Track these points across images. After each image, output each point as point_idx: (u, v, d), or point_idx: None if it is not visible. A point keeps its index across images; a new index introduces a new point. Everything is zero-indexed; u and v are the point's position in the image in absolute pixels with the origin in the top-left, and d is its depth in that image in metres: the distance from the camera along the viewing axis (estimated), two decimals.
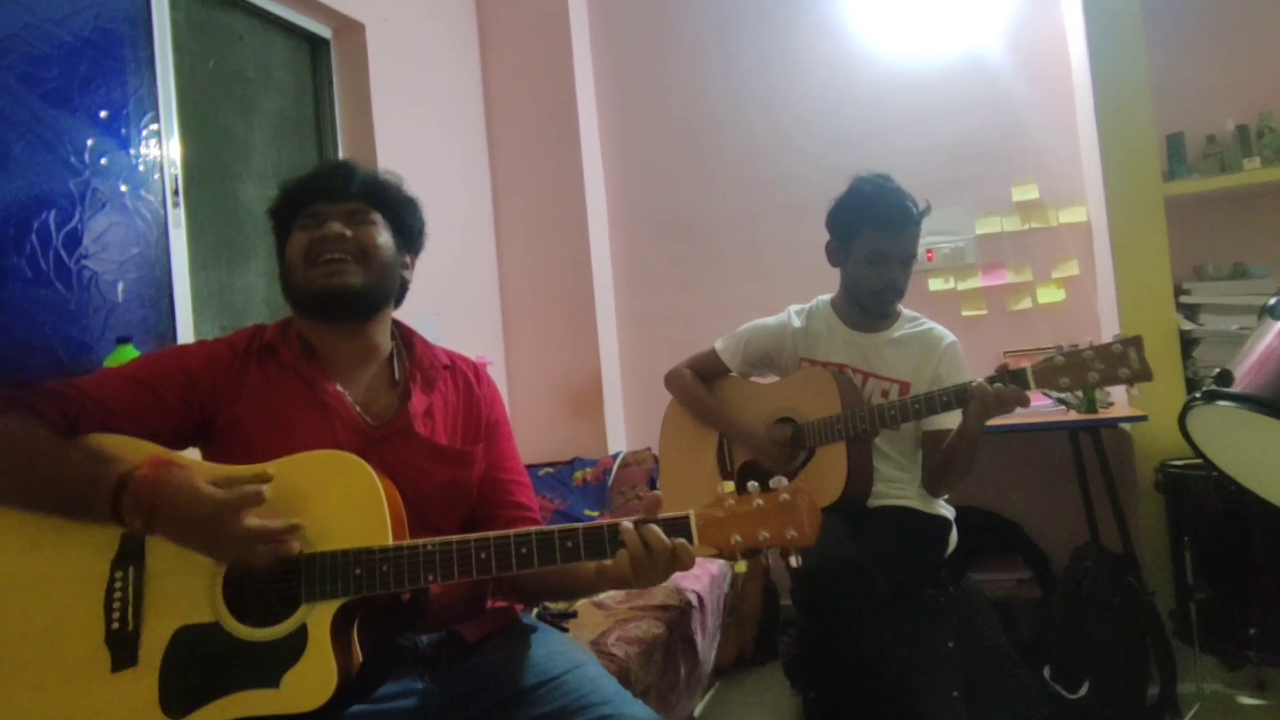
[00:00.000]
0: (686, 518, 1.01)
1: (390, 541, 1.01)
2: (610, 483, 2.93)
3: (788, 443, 1.85)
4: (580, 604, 2.06)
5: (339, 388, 1.18)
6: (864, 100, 3.05)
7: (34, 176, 1.84)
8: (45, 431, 1.01)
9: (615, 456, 3.05)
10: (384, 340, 1.26)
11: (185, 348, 1.19)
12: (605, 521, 1.01)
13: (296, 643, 0.96)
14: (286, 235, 1.24)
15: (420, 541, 1.01)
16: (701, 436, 2.06)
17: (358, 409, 1.17)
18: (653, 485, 2.85)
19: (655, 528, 1.00)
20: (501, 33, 3.38)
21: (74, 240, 1.91)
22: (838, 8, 3.08)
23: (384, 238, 1.23)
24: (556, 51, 3.30)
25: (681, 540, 1.00)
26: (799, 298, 2.08)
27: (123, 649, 0.97)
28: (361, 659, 1.01)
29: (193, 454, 1.15)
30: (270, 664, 0.96)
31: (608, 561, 1.03)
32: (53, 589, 0.99)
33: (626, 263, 3.40)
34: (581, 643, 1.67)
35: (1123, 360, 1.46)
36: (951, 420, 1.79)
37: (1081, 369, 1.50)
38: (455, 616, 1.18)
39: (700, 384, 2.08)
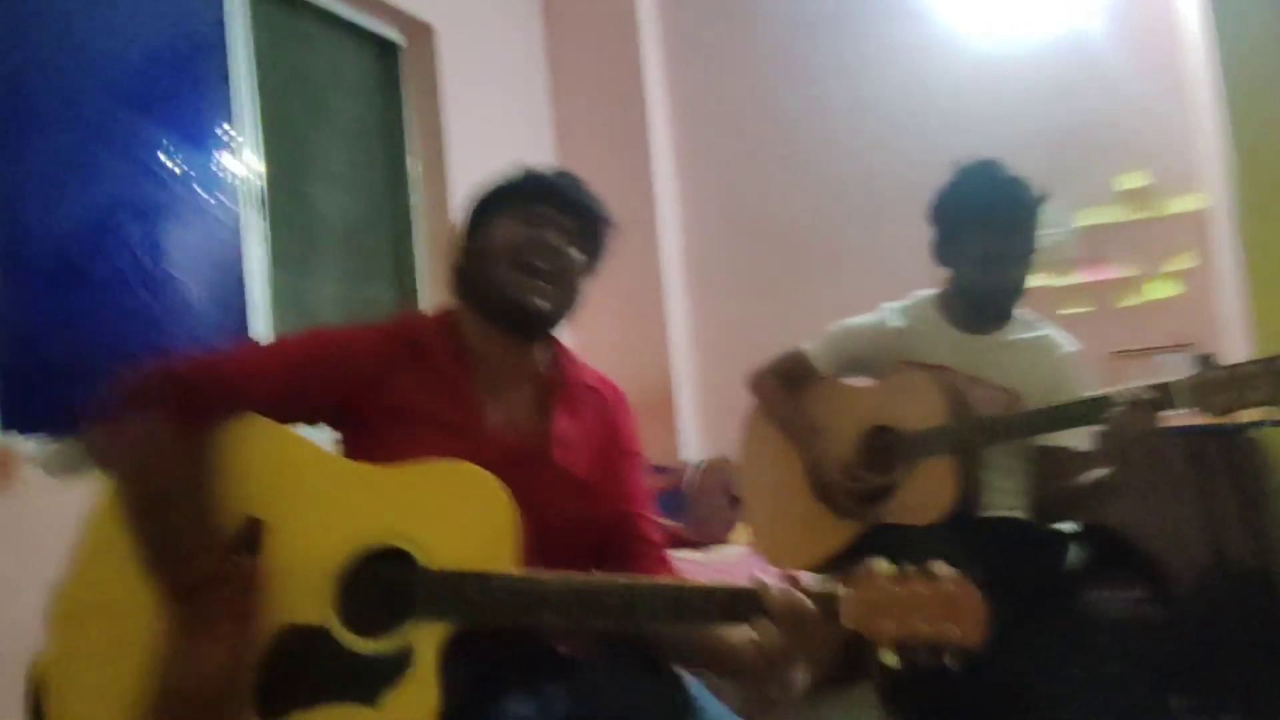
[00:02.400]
0: (834, 594, 0.90)
1: (514, 570, 0.94)
2: (690, 491, 2.83)
3: (861, 487, 1.71)
4: None
5: (484, 400, 1.13)
6: (952, 89, 2.89)
7: (115, 181, 1.86)
8: (190, 467, 0.96)
9: (688, 465, 2.95)
10: (541, 357, 1.21)
11: (344, 333, 1.15)
12: (748, 585, 0.92)
13: (401, 661, 0.91)
14: (487, 219, 1.18)
15: (546, 574, 0.94)
16: (785, 446, 1.93)
17: (498, 426, 1.12)
18: (732, 497, 2.74)
19: (800, 595, 0.90)
20: (569, 33, 3.34)
21: (154, 246, 1.91)
22: None
23: (584, 269, 1.20)
24: (627, 52, 3.24)
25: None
26: (884, 299, 1.94)
27: None
28: (464, 695, 0.94)
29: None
30: (371, 679, 0.90)
31: (735, 640, 0.95)
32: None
33: (702, 265, 3.31)
34: None
35: None
36: (1071, 436, 1.62)
37: (1242, 388, 1.30)
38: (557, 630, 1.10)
39: (781, 390, 1.95)
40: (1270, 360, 1.29)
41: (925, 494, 1.64)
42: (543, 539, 1.01)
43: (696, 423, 3.29)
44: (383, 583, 0.94)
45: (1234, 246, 2.32)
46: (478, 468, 0.99)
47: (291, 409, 1.06)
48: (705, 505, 2.79)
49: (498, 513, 0.96)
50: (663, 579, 0.95)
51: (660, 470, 2.97)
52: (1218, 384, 1.33)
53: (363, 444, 1.08)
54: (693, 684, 1.09)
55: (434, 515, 0.96)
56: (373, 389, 1.09)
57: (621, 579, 0.94)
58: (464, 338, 1.16)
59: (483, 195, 1.22)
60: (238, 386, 1.04)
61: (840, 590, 0.90)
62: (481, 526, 0.96)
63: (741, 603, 0.92)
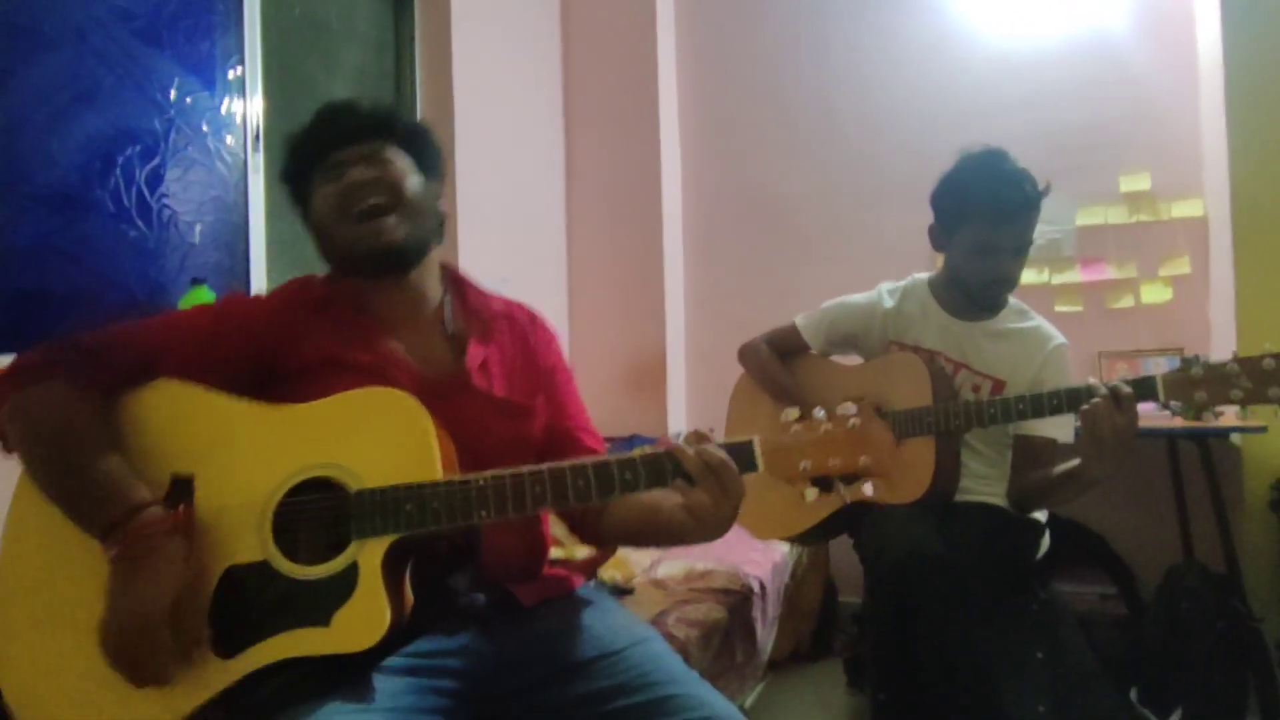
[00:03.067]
0: (750, 442, 0.95)
1: (440, 477, 0.96)
2: None
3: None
4: (638, 580, 2.00)
5: (395, 343, 1.13)
6: (957, 82, 2.88)
7: (121, 112, 1.84)
8: (88, 417, 0.97)
9: (676, 436, 2.97)
10: (432, 287, 1.19)
11: (249, 300, 1.17)
12: (662, 449, 0.96)
13: (347, 581, 0.93)
14: (307, 193, 1.16)
15: (472, 476, 0.96)
16: (773, 416, 1.95)
17: (416, 363, 1.12)
18: None
19: (712, 446, 0.94)
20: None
21: (156, 179, 1.91)
22: None
23: (411, 175, 1.15)
24: (640, 22, 3.21)
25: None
26: (878, 280, 1.95)
27: None
28: (413, 600, 0.97)
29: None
30: (321, 602, 0.92)
31: (666, 508, 0.99)
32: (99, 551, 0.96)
33: (699, 239, 3.30)
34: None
35: (1275, 378, 1.29)
36: (1051, 428, 1.64)
37: (1223, 384, 1.32)
38: (511, 576, 1.12)
39: (776, 360, 1.96)
40: (1250, 360, 1.31)
41: (905, 473, 1.66)
42: (481, 464, 1.01)
43: (687, 396, 3.30)
44: (318, 512, 0.96)
45: (1228, 254, 2.33)
46: (388, 389, 1.00)
47: (207, 372, 1.05)
48: None
49: (416, 425, 0.98)
50: (586, 459, 0.97)
51: (646, 441, 3.00)
52: (1199, 380, 1.35)
53: (286, 401, 1.07)
54: (649, 638, 1.12)
55: (355, 440, 0.98)
56: (282, 352, 1.09)
57: (547, 466, 0.96)
58: (358, 292, 1.16)
59: (286, 167, 1.20)
60: (144, 355, 1.04)
61: (755, 439, 0.95)
62: (403, 441, 0.98)
63: (660, 465, 0.95)
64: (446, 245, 2.72)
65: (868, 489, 0.94)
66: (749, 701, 2.21)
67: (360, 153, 1.13)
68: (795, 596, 2.48)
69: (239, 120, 2.13)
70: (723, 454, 0.94)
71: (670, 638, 1.64)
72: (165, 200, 1.92)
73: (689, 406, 3.29)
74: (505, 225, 2.88)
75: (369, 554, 0.93)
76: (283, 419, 1.01)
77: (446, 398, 1.08)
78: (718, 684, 1.79)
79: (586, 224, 3.27)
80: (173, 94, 1.96)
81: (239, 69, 2.13)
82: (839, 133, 3.06)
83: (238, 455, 0.99)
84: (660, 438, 3.00)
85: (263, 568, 0.94)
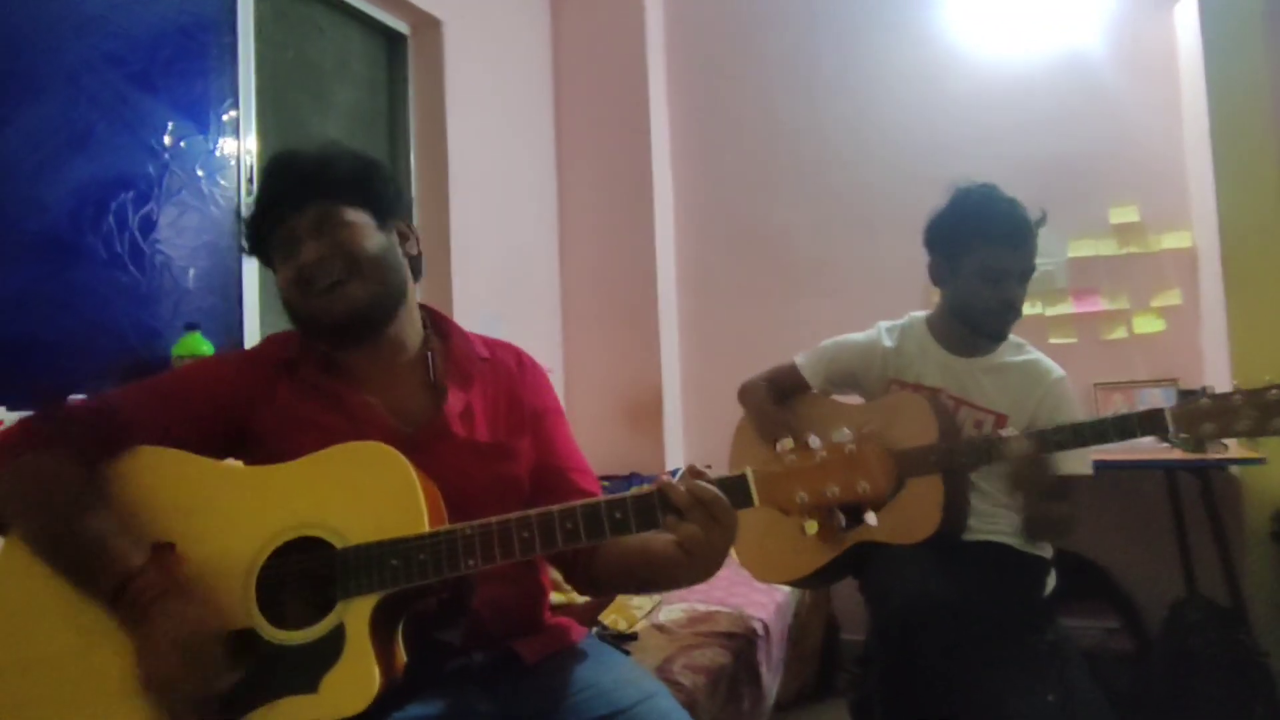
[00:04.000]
0: (743, 475, 0.92)
1: (427, 529, 0.94)
2: None
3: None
4: (640, 626, 1.97)
5: (368, 398, 1.11)
6: (950, 112, 2.92)
7: (114, 157, 1.83)
8: (72, 480, 0.97)
9: (674, 473, 2.94)
10: (411, 335, 1.17)
11: (215, 363, 1.18)
12: (651, 488, 0.94)
13: (334, 643, 0.90)
14: (271, 257, 1.14)
15: (458, 526, 0.94)
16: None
17: (390, 417, 1.10)
18: None
19: (704, 482, 0.92)
20: (576, 35, 3.33)
21: (149, 223, 1.89)
22: (928, 15, 2.96)
23: (367, 235, 1.10)
24: (630, 56, 3.24)
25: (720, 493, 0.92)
26: (873, 315, 1.95)
27: None
28: (405, 659, 0.94)
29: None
30: (308, 668, 0.90)
31: (658, 550, 0.97)
32: (83, 602, 0.94)
33: (693, 272, 3.30)
34: (646, 668, 1.57)
35: (1279, 409, 1.30)
36: (1065, 461, 1.64)
37: (1229, 416, 1.34)
38: (512, 629, 1.10)
39: (773, 402, 1.95)
40: (1255, 392, 1.33)
41: (912, 513, 1.65)
42: (470, 510, 1.00)
43: (685, 432, 3.28)
44: (303, 573, 0.95)
45: (1218, 284, 2.35)
46: (371, 443, 0.98)
47: (180, 438, 1.04)
48: None
49: (399, 477, 0.96)
50: (572, 502, 0.94)
51: (644, 479, 2.97)
52: (1207, 412, 1.36)
53: (260, 462, 1.06)
54: (655, 694, 1.09)
55: (339, 497, 0.96)
56: (252, 413, 1.08)
57: (534, 511, 0.94)
58: (330, 353, 1.14)
59: (247, 241, 1.17)
60: (119, 425, 1.03)
61: (748, 470, 0.92)
62: (387, 495, 0.96)
63: (650, 505, 0.93)
64: (440, 283, 2.70)
65: (870, 519, 0.91)
66: None
67: (308, 223, 1.09)
68: (799, 637, 2.45)
69: (233, 163, 2.12)
70: (713, 489, 0.92)
71: (677, 685, 1.61)
72: (158, 245, 1.90)
73: (687, 442, 3.27)
74: (498, 262, 2.87)
75: (355, 614, 0.91)
76: (263, 480, 1.00)
77: (423, 449, 1.06)
78: None
79: (580, 259, 3.27)
80: (166, 138, 1.95)
81: (233, 111, 2.13)
82: (831, 163, 3.08)
83: (218, 519, 0.98)
84: (659, 475, 2.98)
85: (248, 635, 0.92)
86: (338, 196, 1.10)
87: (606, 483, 2.97)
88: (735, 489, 0.92)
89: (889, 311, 1.94)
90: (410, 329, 1.17)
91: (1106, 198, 2.71)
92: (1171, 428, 1.39)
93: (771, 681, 2.07)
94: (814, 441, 0.92)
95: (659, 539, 0.99)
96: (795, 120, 3.15)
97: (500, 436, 1.15)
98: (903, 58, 2.99)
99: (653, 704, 1.06)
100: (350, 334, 1.11)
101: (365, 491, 0.96)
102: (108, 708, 0.91)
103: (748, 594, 2.23)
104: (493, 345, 1.25)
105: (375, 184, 1.14)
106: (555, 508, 0.94)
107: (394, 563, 0.92)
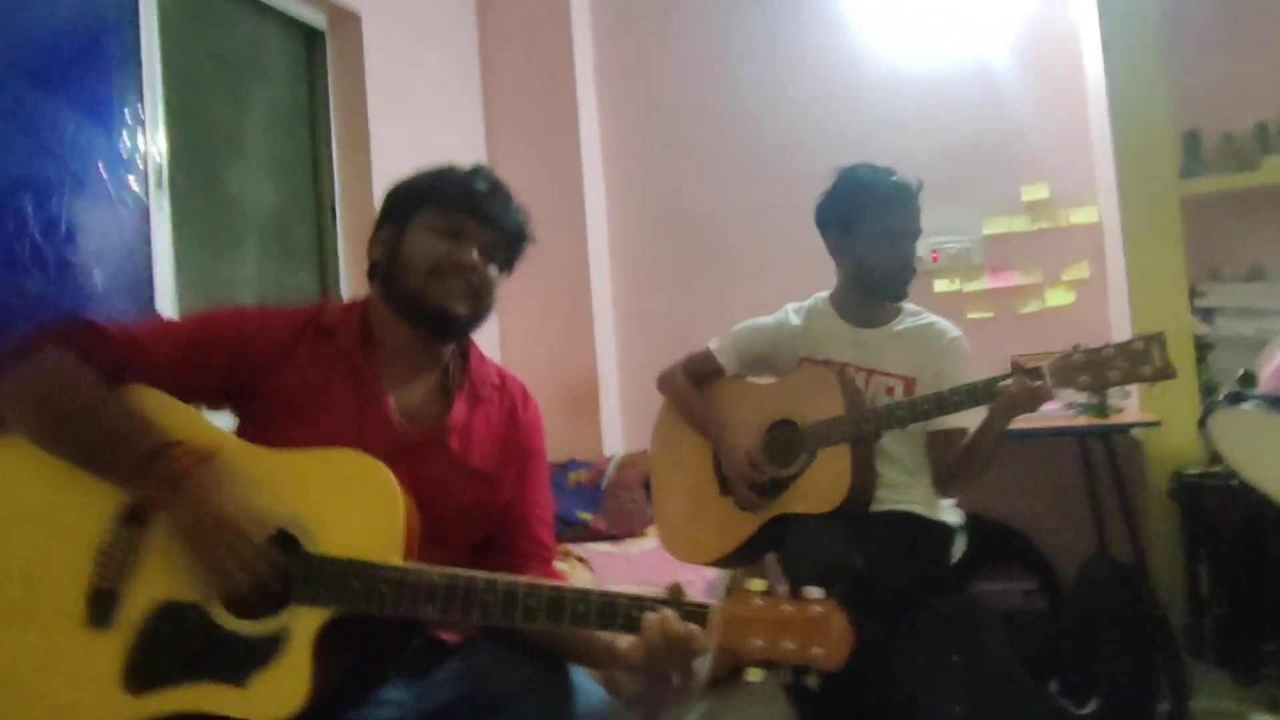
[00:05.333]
0: (706, 609, 0.92)
1: (399, 562, 0.94)
2: (604, 485, 2.86)
3: (764, 478, 1.77)
4: None
5: (385, 387, 1.13)
6: (868, 98, 2.98)
7: (12, 159, 1.78)
8: (90, 375, 0.99)
9: (610, 459, 2.98)
10: (447, 353, 1.22)
11: (246, 312, 1.16)
12: (623, 591, 0.94)
13: (274, 645, 0.91)
14: (406, 223, 1.17)
15: (428, 568, 0.94)
16: (696, 443, 1.98)
17: (397, 413, 1.12)
18: (648, 488, 2.78)
19: (670, 612, 0.92)
20: (501, 24, 3.32)
21: (52, 226, 1.85)
22: (844, 6, 3.02)
23: (499, 280, 1.21)
24: (557, 44, 3.24)
25: (695, 626, 0.91)
26: (804, 296, 2.01)
27: (100, 607, 0.93)
28: (338, 684, 0.95)
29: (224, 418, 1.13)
30: (243, 660, 0.90)
31: (621, 645, 0.97)
32: (52, 528, 0.96)
33: (626, 259, 3.33)
34: None
35: (1145, 358, 1.40)
36: (962, 419, 1.71)
37: (1101, 367, 1.43)
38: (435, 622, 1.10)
39: (692, 388, 2.00)
40: (1123, 344, 1.41)
41: (822, 482, 1.71)
42: (434, 525, 1.03)
43: (621, 417, 3.31)
44: (271, 566, 0.94)
45: (1122, 257, 2.45)
46: (373, 458, 0.99)
47: (190, 379, 1.06)
48: (621, 498, 2.82)
49: (388, 503, 0.97)
50: (543, 581, 0.96)
51: (581, 465, 3.00)
52: (1080, 365, 1.45)
53: (258, 424, 1.09)
54: (573, 669, 1.11)
55: (324, 502, 0.96)
56: (271, 369, 1.10)
57: (502, 578, 0.95)
58: (373, 327, 1.17)
59: (405, 191, 1.21)
60: (135, 346, 1.05)
61: (714, 606, 0.92)
62: (371, 516, 0.97)
63: (617, 615, 0.92)
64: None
65: (811, 682, 0.89)
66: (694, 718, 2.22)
67: (486, 239, 1.17)
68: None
69: (140, 162, 2.08)
70: (681, 629, 0.90)
71: None
72: (62, 248, 1.86)
73: (624, 427, 3.30)
74: None
75: (303, 622, 0.91)
76: (256, 460, 1.00)
77: (416, 453, 1.09)
78: (653, 708, 1.80)
79: None
80: (67, 139, 1.91)
81: (139, 109, 2.09)
82: (756, 148, 3.13)
83: None
84: (595, 461, 3.01)
85: (194, 609, 0.93)
86: (509, 246, 1.22)
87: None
88: (696, 619, 0.92)
89: (823, 289, 1.99)
90: (450, 349, 1.22)
91: (1018, 176, 2.81)
92: (1049, 380, 1.47)
93: (701, 659, 2.12)
94: (780, 590, 0.91)
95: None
96: (722, 109, 3.19)
97: (490, 464, 1.18)
98: (820, 48, 3.05)
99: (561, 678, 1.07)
100: (436, 327, 1.15)
101: (352, 505, 0.97)
102: (51, 636, 0.93)
103: (679, 572, 2.27)
104: (504, 375, 1.29)
105: (520, 255, 1.26)
106: (522, 580, 0.95)
107: (355, 585, 0.92)
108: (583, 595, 0.93)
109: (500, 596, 0.93)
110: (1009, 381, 1.53)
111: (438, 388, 1.20)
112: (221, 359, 1.08)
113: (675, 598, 0.94)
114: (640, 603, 0.93)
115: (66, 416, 0.97)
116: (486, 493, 1.17)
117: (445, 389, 1.20)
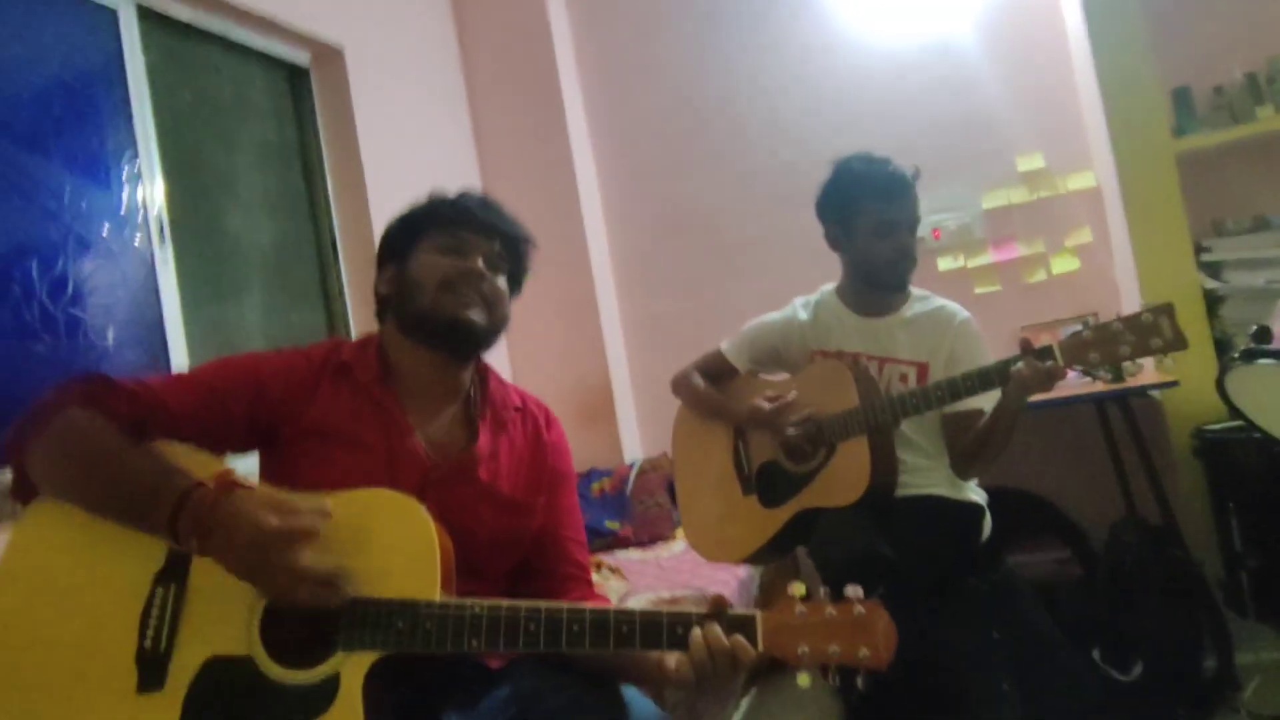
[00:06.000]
0: (753, 619, 0.93)
1: (438, 596, 0.95)
2: (629, 491, 2.87)
3: (805, 421, 1.77)
4: None
5: (410, 420, 1.14)
6: (855, 84, 2.98)
7: (12, 225, 1.80)
8: (115, 432, 0.99)
9: (632, 465, 2.98)
10: (468, 379, 1.22)
11: (262, 356, 1.16)
12: (666, 610, 0.95)
13: (326, 692, 0.91)
14: (408, 255, 1.19)
15: (469, 602, 0.95)
16: (714, 439, 1.99)
17: (424, 445, 1.13)
18: (672, 492, 2.78)
19: (716, 627, 0.93)
20: (483, 45, 3.33)
21: (59, 288, 1.86)
22: None
23: (507, 289, 1.23)
24: (540, 60, 3.25)
25: (740, 638, 0.92)
26: (809, 289, 2.01)
27: (151, 670, 0.93)
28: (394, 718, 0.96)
29: (251, 461, 1.13)
30: (294, 711, 0.91)
31: (669, 662, 0.98)
32: (94, 595, 0.96)
33: (629, 265, 3.34)
34: None
35: (1154, 330, 1.39)
36: (977, 401, 1.71)
37: (1111, 343, 1.42)
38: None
39: (707, 384, 2.01)
40: (1130, 317, 1.40)
41: (844, 474, 1.71)
42: (467, 554, 1.03)
43: (637, 423, 3.32)
44: (309, 612, 0.94)
45: (1123, 219, 2.44)
46: (403, 495, 1.00)
47: (211, 428, 1.06)
48: (646, 504, 2.83)
49: (423, 539, 0.97)
50: (584, 605, 0.96)
51: (603, 473, 3.00)
52: (1090, 342, 1.44)
53: (284, 465, 1.09)
54: (624, 686, 1.11)
55: (359, 543, 0.96)
56: (294, 410, 1.10)
57: (545, 605, 0.95)
58: (391, 362, 1.18)
59: (400, 227, 1.23)
60: (155, 399, 1.05)
61: (758, 616, 0.93)
62: (407, 554, 0.97)
63: (662, 633, 0.93)
64: (370, 306, 2.70)
65: (860, 684, 0.91)
66: (739, 716, 2.22)
67: (487, 249, 1.19)
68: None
69: (141, 215, 2.09)
70: (727, 645, 0.91)
71: None
72: (71, 309, 1.88)
73: (642, 432, 3.30)
74: None
75: (353, 668, 0.92)
76: None
77: (446, 485, 1.10)
78: (697, 709, 1.81)
79: None
80: (66, 199, 1.92)
81: (135, 162, 2.10)
82: (748, 141, 3.13)
83: None
84: (616, 468, 3.01)
85: (245, 663, 0.93)
86: (509, 252, 1.23)
87: None
88: (742, 631, 0.93)
89: (825, 279, 1.99)
90: (469, 373, 1.22)
91: (1012, 148, 2.80)
92: (1060, 359, 1.47)
93: None
94: (823, 592, 0.93)
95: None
96: (708, 104, 3.18)
97: (519, 490, 1.19)
98: (805, 34, 3.04)
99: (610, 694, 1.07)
100: (453, 340, 1.16)
101: (388, 544, 0.97)
102: (104, 704, 0.92)
103: (711, 573, 2.28)
104: (525, 397, 1.29)
105: (525, 264, 1.28)
106: (565, 605, 0.95)
107: (400, 625, 0.93)
108: (627, 616, 0.94)
109: (544, 624, 0.94)
110: (1020, 365, 1.52)
111: (461, 417, 1.20)
112: (241, 405, 1.09)
113: (719, 609, 0.94)
114: (684, 619, 0.93)
115: (97, 473, 0.97)
116: (518, 520, 1.18)
117: (468, 417, 1.20)
